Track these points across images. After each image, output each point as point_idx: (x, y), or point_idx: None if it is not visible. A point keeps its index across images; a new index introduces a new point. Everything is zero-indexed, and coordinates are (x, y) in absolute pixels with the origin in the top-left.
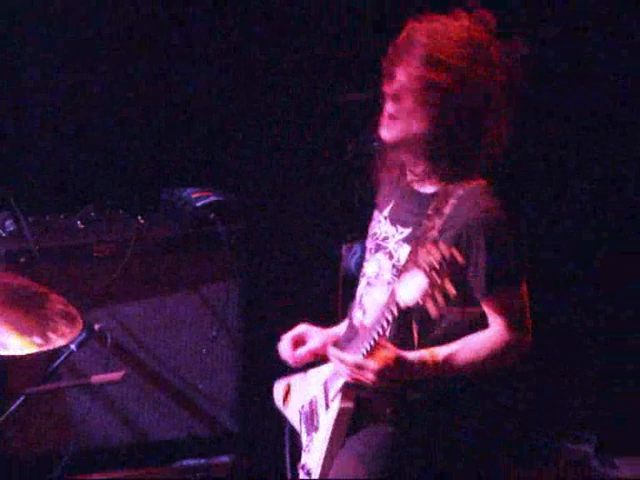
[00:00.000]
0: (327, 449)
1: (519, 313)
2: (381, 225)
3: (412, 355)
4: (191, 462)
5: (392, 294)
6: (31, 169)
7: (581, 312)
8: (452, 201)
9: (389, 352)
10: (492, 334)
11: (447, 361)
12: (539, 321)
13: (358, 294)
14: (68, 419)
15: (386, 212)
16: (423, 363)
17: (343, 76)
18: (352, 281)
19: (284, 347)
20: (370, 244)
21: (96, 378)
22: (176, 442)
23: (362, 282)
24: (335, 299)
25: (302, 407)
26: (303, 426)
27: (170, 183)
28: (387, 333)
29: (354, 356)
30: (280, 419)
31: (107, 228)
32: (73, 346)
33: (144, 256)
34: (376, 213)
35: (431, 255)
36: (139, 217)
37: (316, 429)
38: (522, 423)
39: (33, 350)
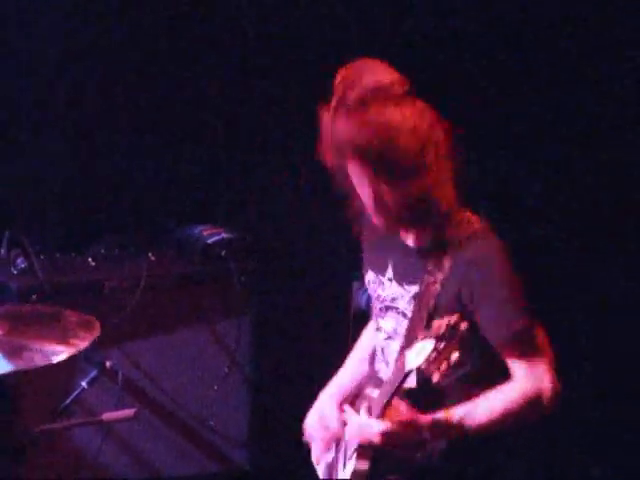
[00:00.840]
0: None
1: (538, 361)
2: (385, 287)
3: (425, 417)
4: None
5: (401, 359)
6: (41, 207)
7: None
8: (450, 253)
9: (401, 414)
10: (513, 387)
11: (464, 421)
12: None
13: (378, 347)
14: (80, 457)
15: (389, 274)
16: (437, 424)
17: None
18: (362, 317)
19: (312, 432)
20: (377, 306)
21: (108, 415)
22: (188, 479)
23: (380, 335)
24: (345, 335)
25: (325, 460)
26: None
27: (181, 220)
28: (398, 394)
29: (360, 417)
30: (291, 456)
31: (118, 265)
32: (84, 383)
33: (155, 292)
34: (372, 275)
35: (441, 324)
36: (150, 254)
37: None
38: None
39: (58, 358)
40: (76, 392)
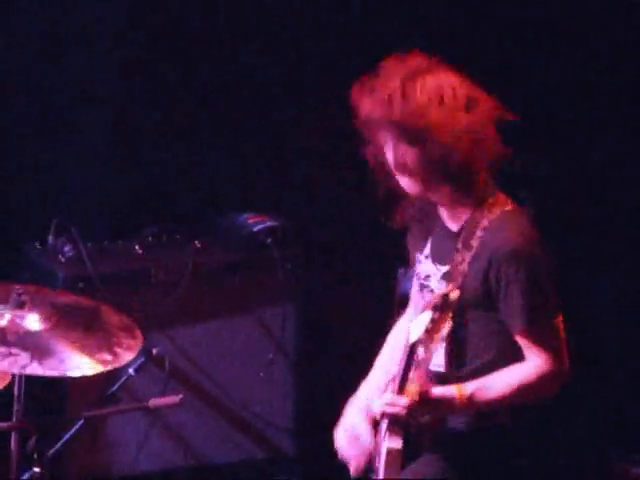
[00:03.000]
0: None
1: (555, 345)
2: (422, 265)
3: (438, 391)
4: None
5: (407, 331)
6: (87, 196)
7: None
8: (478, 233)
9: (415, 387)
10: (527, 367)
11: (476, 395)
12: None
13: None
14: (125, 443)
15: (426, 251)
16: (450, 398)
17: None
18: (408, 303)
19: (342, 443)
20: (416, 284)
21: (154, 402)
22: (233, 465)
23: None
24: (391, 321)
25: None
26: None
27: (226, 208)
28: (415, 367)
29: (385, 395)
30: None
31: (165, 253)
32: (131, 370)
33: (201, 280)
34: (416, 254)
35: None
36: (196, 241)
37: (376, 472)
38: (574, 443)
39: (104, 368)
40: (123, 379)
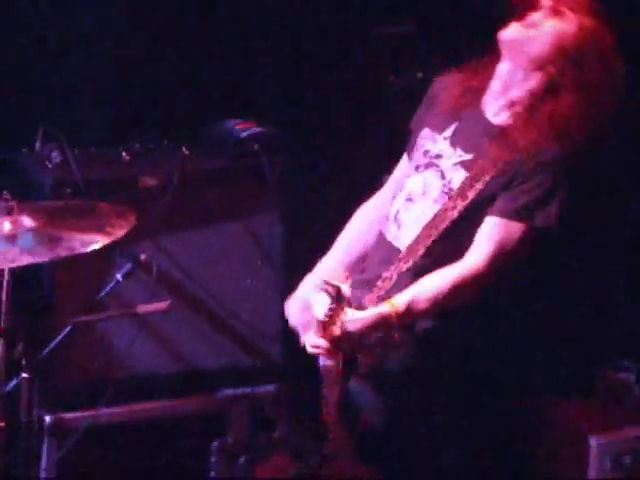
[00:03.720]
0: (326, 397)
1: (506, 247)
2: (437, 144)
3: (369, 315)
4: (235, 391)
5: None
6: (76, 102)
7: None
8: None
9: (339, 323)
10: (464, 265)
11: (411, 307)
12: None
13: (393, 208)
14: (113, 348)
15: (447, 133)
16: (386, 317)
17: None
18: None
19: (293, 312)
20: (419, 160)
21: (142, 308)
22: (220, 371)
23: (400, 197)
24: None
25: None
26: None
27: (212, 114)
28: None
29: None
30: None
31: (152, 159)
32: (119, 276)
33: (189, 187)
34: (427, 132)
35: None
36: (183, 148)
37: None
38: (559, 350)
39: (96, 246)
40: (111, 285)
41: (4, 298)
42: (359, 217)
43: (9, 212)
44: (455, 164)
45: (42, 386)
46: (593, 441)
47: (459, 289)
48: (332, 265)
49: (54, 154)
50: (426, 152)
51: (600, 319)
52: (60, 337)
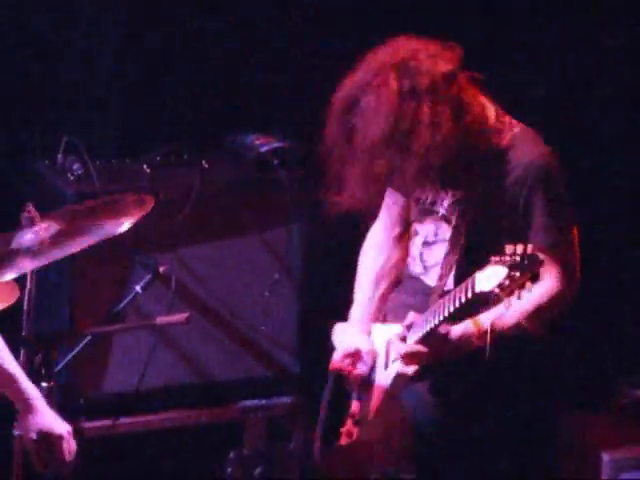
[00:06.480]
0: (379, 406)
1: (571, 260)
2: (425, 189)
3: (455, 332)
4: (252, 402)
5: (472, 280)
6: (97, 115)
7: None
8: (496, 160)
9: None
10: (540, 289)
11: (495, 327)
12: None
13: (415, 250)
14: (132, 359)
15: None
16: (469, 336)
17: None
18: None
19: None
20: (415, 209)
21: (161, 320)
22: (238, 383)
23: (417, 240)
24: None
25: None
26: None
27: (232, 128)
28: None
29: (406, 346)
30: None
31: (172, 172)
32: (138, 288)
33: (208, 200)
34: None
35: (516, 251)
36: (203, 161)
37: (372, 384)
38: (577, 366)
39: (120, 229)
40: (130, 296)
41: (26, 307)
42: (371, 247)
43: (33, 224)
44: (450, 205)
45: (61, 396)
46: (605, 457)
47: (542, 310)
48: (362, 322)
49: (75, 166)
50: (417, 200)
51: (617, 336)
52: (79, 347)
